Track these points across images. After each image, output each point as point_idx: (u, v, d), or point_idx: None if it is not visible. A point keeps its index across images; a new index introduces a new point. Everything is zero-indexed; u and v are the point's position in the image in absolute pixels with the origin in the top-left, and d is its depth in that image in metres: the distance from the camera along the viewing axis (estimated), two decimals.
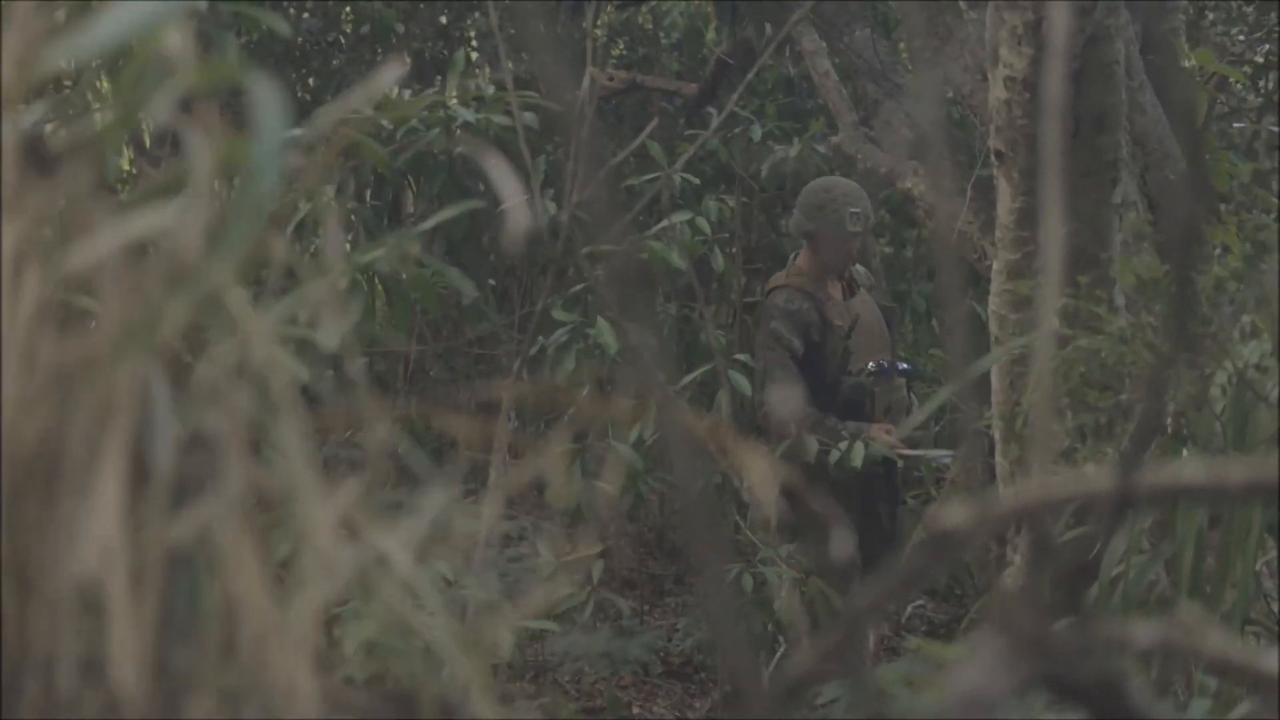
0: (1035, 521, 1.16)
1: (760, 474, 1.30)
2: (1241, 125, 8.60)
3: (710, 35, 9.94)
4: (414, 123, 6.66)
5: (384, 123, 6.42)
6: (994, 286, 4.95)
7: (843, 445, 6.34)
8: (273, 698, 1.11)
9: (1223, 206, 6.79)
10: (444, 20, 9.98)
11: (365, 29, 9.53)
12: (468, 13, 9.88)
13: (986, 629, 1.12)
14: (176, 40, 1.21)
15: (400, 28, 9.42)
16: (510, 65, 6.10)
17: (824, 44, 7.84)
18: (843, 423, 6.65)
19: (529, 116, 6.12)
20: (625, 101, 9.94)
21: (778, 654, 6.19)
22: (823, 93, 7.85)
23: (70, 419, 1.11)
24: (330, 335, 1.35)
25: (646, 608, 8.31)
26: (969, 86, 6.79)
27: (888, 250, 9.67)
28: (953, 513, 1.14)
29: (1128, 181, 5.26)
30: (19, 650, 1.10)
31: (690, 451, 1.28)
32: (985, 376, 4.95)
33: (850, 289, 7.07)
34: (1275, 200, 6.88)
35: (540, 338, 6.17)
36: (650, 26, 10.26)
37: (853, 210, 6.82)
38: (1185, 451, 3.13)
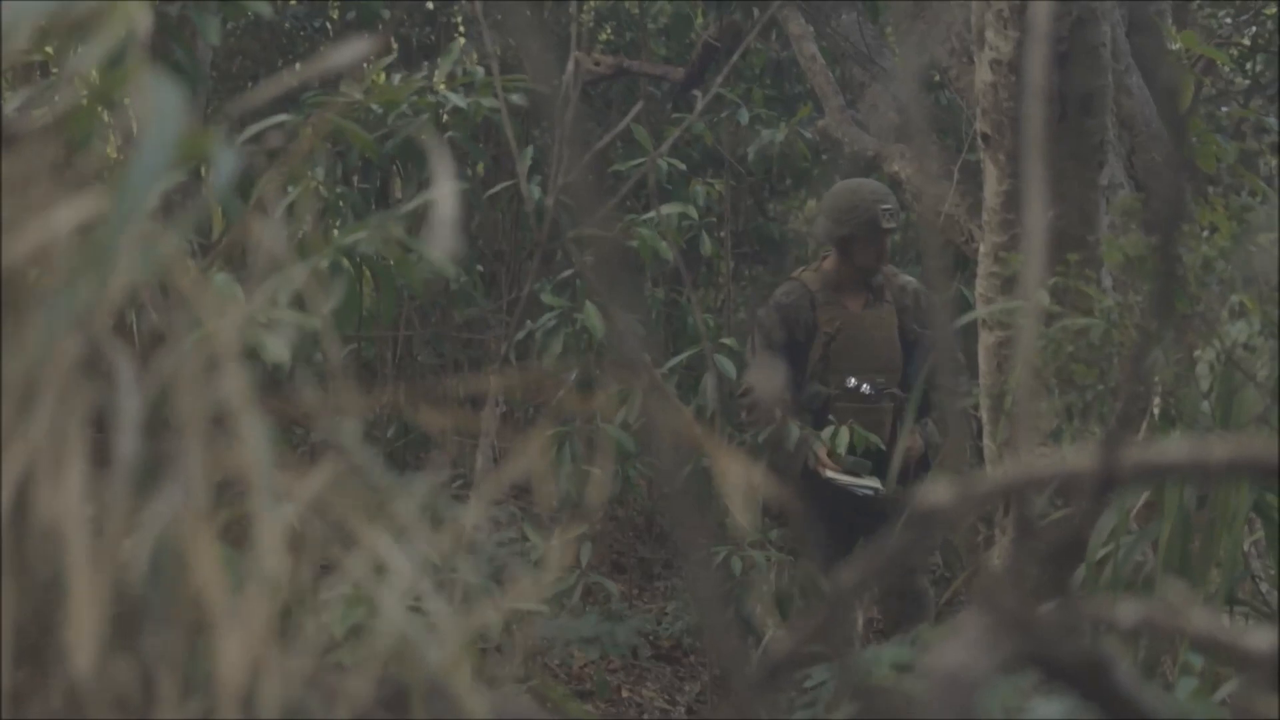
0: (1020, 500, 1.16)
1: (736, 476, 1.30)
2: (1228, 108, 8.61)
3: (698, 20, 9.93)
4: (403, 108, 6.65)
5: (373, 107, 6.42)
6: (981, 269, 4.96)
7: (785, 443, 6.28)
8: (232, 683, 1.11)
9: (1210, 188, 6.80)
10: (430, 5, 9.97)
11: (351, 15, 9.51)
12: None
13: (971, 608, 1.13)
14: (143, 22, 1.21)
15: (386, 13, 9.40)
16: (497, 50, 6.09)
17: (811, 28, 7.84)
18: (802, 427, 6.51)
19: (515, 98, 6.11)
20: (612, 87, 9.93)
21: (765, 637, 6.19)
22: (809, 76, 7.85)
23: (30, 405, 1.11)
24: (281, 343, 1.35)
25: (635, 592, 8.32)
26: (955, 70, 6.79)
27: None
28: (937, 491, 1.14)
29: (1114, 164, 5.26)
30: None
31: (675, 436, 1.28)
32: (971, 358, 4.96)
33: (876, 299, 6.88)
34: (1261, 182, 6.90)
35: (528, 322, 6.17)
36: (637, 12, 10.25)
37: (885, 207, 6.65)
38: (1173, 431, 3.14)
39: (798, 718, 4.20)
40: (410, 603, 1.36)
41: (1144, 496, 3.14)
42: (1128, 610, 1.18)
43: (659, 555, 8.92)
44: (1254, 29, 9.01)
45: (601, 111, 9.81)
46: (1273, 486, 2.75)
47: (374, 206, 8.11)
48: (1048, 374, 3.17)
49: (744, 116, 8.60)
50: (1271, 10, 8.85)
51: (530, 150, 6.23)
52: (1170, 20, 7.19)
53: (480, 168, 9.00)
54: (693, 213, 6.94)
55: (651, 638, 7.60)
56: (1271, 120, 8.00)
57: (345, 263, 3.49)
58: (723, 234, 9.16)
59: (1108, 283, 4.42)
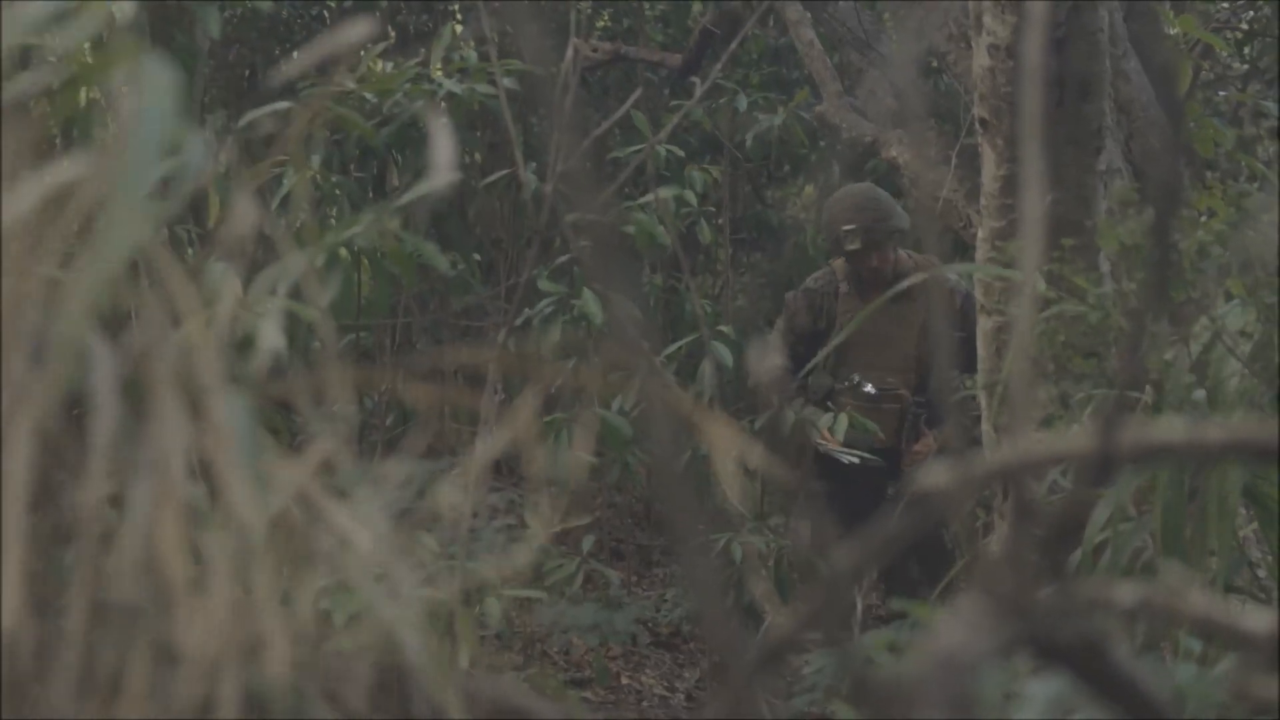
0: (1017, 482, 1.16)
1: (728, 453, 1.30)
2: (1226, 93, 8.60)
3: (695, 6, 9.91)
4: (399, 95, 6.64)
5: (368, 95, 6.41)
6: (979, 254, 4.95)
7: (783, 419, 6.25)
8: (193, 656, 1.11)
9: (1208, 173, 6.80)
10: None
11: (349, 2, 9.50)
12: None
13: (969, 591, 1.13)
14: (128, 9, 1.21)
15: (384, 1, 9.39)
16: (494, 37, 6.09)
17: (808, 14, 7.82)
18: (805, 405, 6.57)
19: (508, 82, 6.10)
20: (610, 73, 9.92)
21: (764, 624, 6.20)
22: (807, 63, 7.83)
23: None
24: (276, 331, 1.35)
25: (634, 579, 8.32)
26: (953, 55, 6.78)
27: None
28: (935, 473, 1.14)
29: (1112, 149, 5.25)
30: None
31: (672, 423, 1.27)
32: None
33: (903, 298, 6.50)
34: (1261, 166, 6.89)
35: (526, 309, 6.17)
36: None
37: (846, 229, 6.58)
38: (1165, 417, 3.13)
39: (795, 703, 4.21)
40: (404, 590, 1.37)
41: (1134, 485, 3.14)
42: (1126, 592, 1.18)
43: (658, 542, 8.92)
44: (1251, 14, 9.00)
45: (599, 98, 9.80)
46: (1269, 468, 2.75)
47: (371, 195, 8.11)
48: (1043, 362, 3.17)
49: (743, 103, 8.59)
50: None
51: (528, 142, 6.23)
52: (1168, 5, 7.19)
53: (478, 155, 9.00)
54: (691, 198, 6.93)
55: (650, 625, 7.61)
56: (1270, 105, 7.99)
57: (343, 253, 3.50)
58: (721, 221, 9.15)
59: (1105, 268, 4.41)
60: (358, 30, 1.39)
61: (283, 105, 2.17)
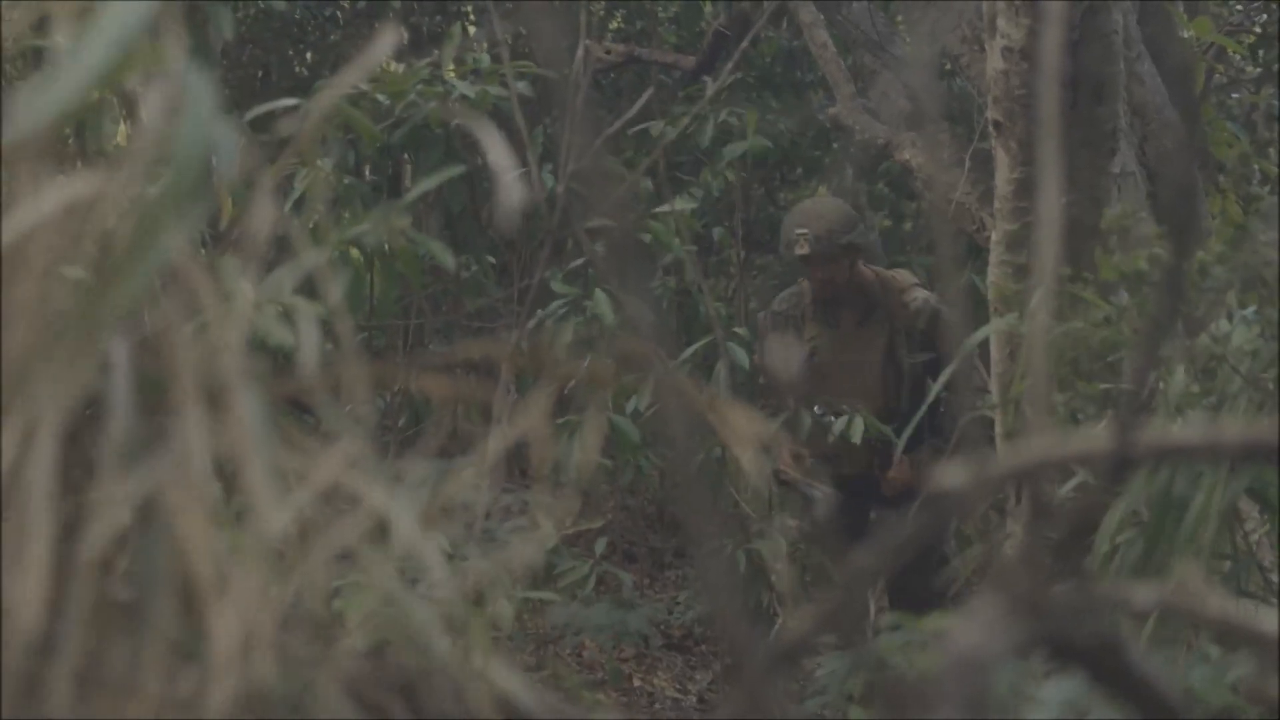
0: (1033, 482, 1.16)
1: (746, 437, 1.30)
2: (1239, 96, 8.59)
3: (708, 8, 9.91)
4: (412, 96, 6.65)
5: (380, 97, 6.42)
6: (993, 257, 4.95)
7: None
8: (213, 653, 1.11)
9: (1221, 176, 6.79)
10: None
11: (362, 3, 9.51)
12: None
13: (985, 591, 1.13)
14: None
15: (397, 2, 9.40)
16: (506, 39, 6.09)
17: (821, 16, 7.82)
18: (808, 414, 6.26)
19: (523, 85, 6.10)
20: (623, 75, 9.92)
21: (776, 626, 6.20)
22: (821, 65, 7.83)
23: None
24: (289, 329, 1.35)
25: (647, 581, 8.33)
26: (966, 57, 6.78)
27: (886, 223, 9.66)
28: (951, 473, 1.14)
29: (1126, 151, 5.26)
30: None
31: (687, 425, 1.27)
32: (983, 344, 4.96)
33: (867, 318, 6.46)
34: (1275, 169, 6.88)
35: (539, 310, 6.17)
36: None
37: (799, 231, 6.28)
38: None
39: (808, 705, 4.20)
40: (423, 589, 1.37)
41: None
42: (1143, 593, 1.18)
43: (670, 544, 8.93)
44: (1264, 17, 8.99)
45: (612, 100, 9.79)
46: (1275, 469, 2.74)
47: (385, 196, 8.11)
48: (1054, 378, 3.17)
49: (770, 102, 8.56)
50: None
51: (540, 136, 6.23)
52: (1181, 8, 7.19)
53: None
54: (712, 187, 6.87)
55: (663, 627, 7.62)
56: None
57: (354, 253, 3.50)
58: (733, 223, 9.15)
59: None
60: (386, 41, 1.39)
61: (291, 102, 2.17)
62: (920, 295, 6.42)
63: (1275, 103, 8.03)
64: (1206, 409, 2.99)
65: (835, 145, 9.12)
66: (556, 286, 6.23)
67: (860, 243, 6.39)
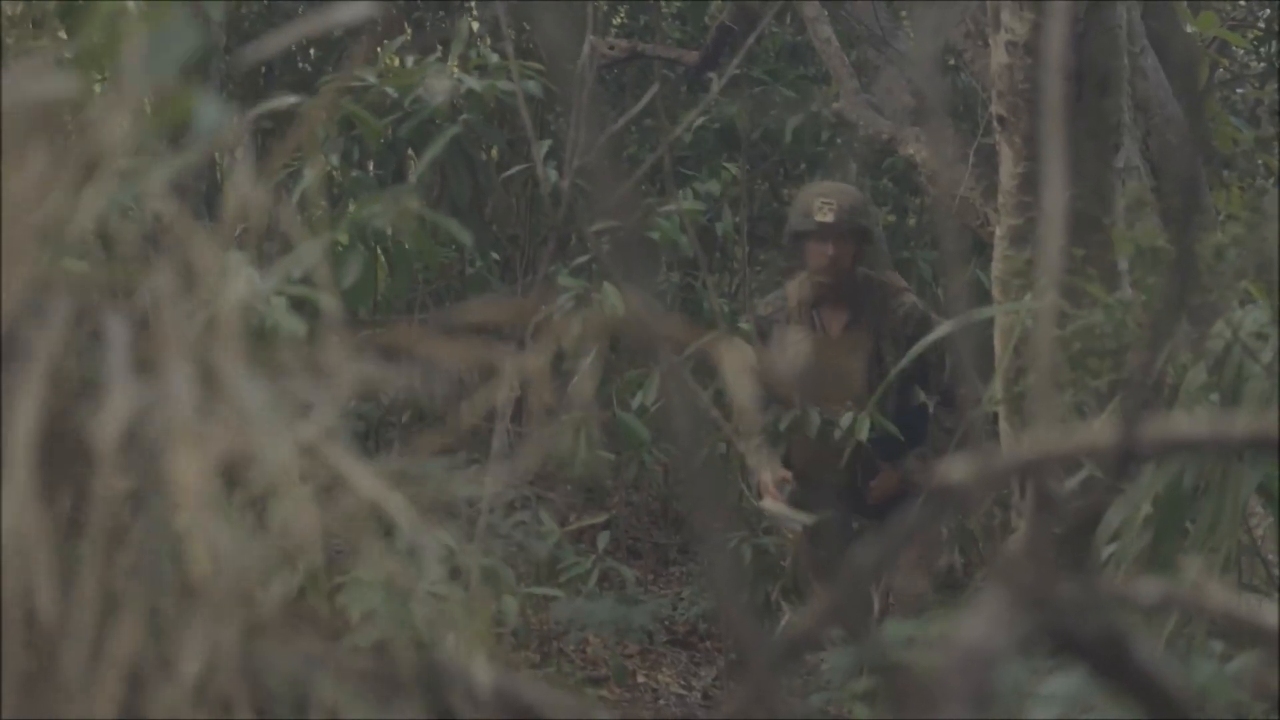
0: (1037, 476, 1.15)
1: (738, 368, 1.30)
2: (1243, 90, 8.58)
3: (713, 3, 9.91)
4: (418, 91, 6.65)
5: (389, 90, 6.43)
6: (997, 252, 4.95)
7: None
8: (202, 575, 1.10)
9: (1225, 171, 6.78)
10: None
11: None
12: None
13: (989, 585, 1.12)
14: None
15: None
16: (511, 34, 6.09)
17: (825, 11, 7.82)
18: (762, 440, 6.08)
19: (531, 85, 6.11)
20: (627, 70, 9.92)
21: (781, 621, 6.19)
22: (825, 59, 7.82)
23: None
24: (296, 318, 1.35)
25: (651, 577, 8.33)
26: (970, 52, 6.77)
27: (891, 218, 9.66)
28: (955, 467, 1.14)
29: (1130, 146, 5.25)
30: None
31: (693, 419, 1.27)
32: (987, 340, 4.95)
33: (856, 321, 6.27)
34: (1277, 164, 6.87)
35: (544, 306, 6.17)
36: None
37: (823, 199, 6.12)
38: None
39: (813, 700, 4.21)
40: (426, 585, 1.36)
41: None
42: (1148, 588, 1.18)
43: (674, 540, 8.93)
44: (1268, 12, 8.98)
45: (616, 95, 9.79)
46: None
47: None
48: (1061, 369, 3.17)
49: (775, 94, 8.57)
50: None
51: (546, 138, 6.23)
52: (1185, 2, 7.18)
53: (495, 152, 9.00)
54: (713, 188, 6.86)
55: (667, 623, 7.62)
56: None
57: (360, 244, 3.50)
58: (738, 219, 9.15)
59: (1124, 265, 4.41)
60: (359, 10, 1.38)
61: (291, 100, 2.17)
62: (909, 300, 6.29)
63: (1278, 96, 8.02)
64: (1218, 399, 2.98)
65: (839, 140, 9.11)
66: (563, 280, 6.23)
67: (874, 231, 6.35)
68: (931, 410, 6.17)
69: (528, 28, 7.72)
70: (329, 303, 1.38)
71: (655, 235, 6.41)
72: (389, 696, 1.29)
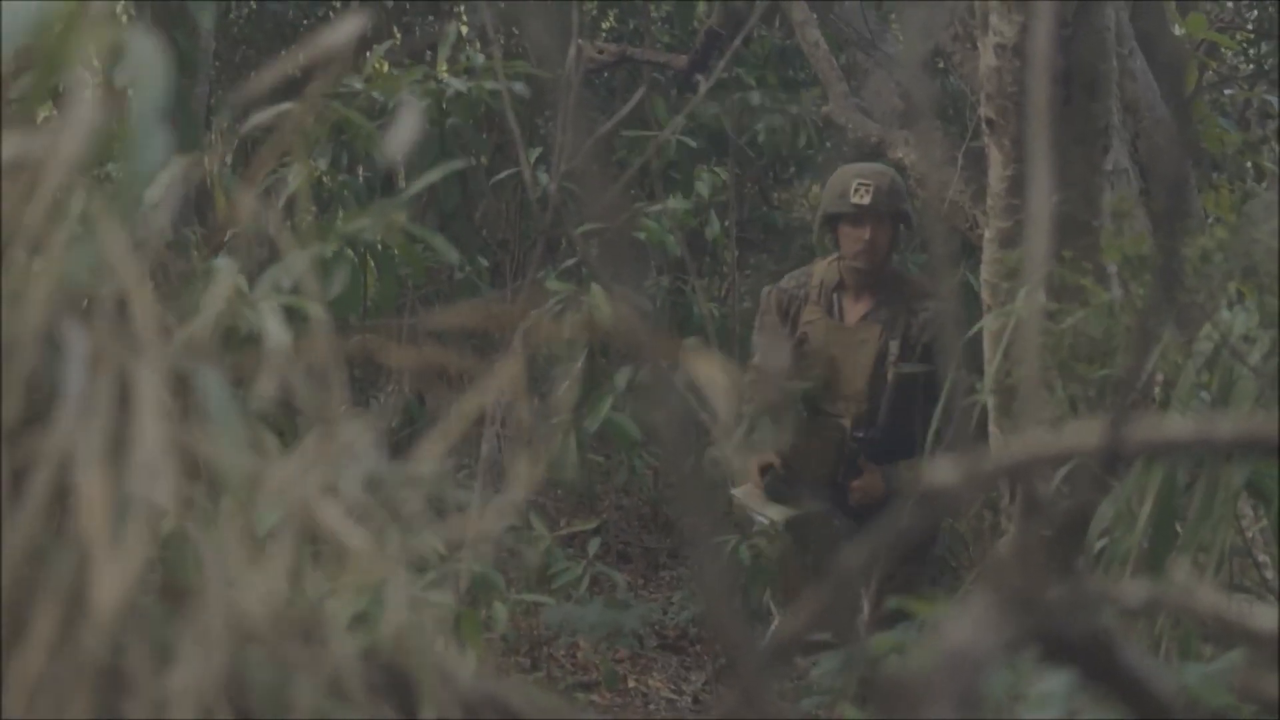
0: (1025, 478, 1.15)
1: (715, 380, 1.30)
2: (1232, 91, 8.59)
3: (701, 6, 9.92)
4: (405, 95, 6.64)
5: (376, 94, 6.42)
6: (986, 255, 4.95)
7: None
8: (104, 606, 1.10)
9: (1215, 174, 6.79)
10: None
11: (355, 3, 9.51)
12: None
13: (977, 587, 1.12)
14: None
15: (389, 2, 9.40)
16: (499, 39, 6.09)
17: (814, 14, 7.82)
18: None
19: (519, 86, 6.10)
20: (616, 74, 9.93)
21: (771, 626, 6.19)
22: (813, 63, 7.83)
23: None
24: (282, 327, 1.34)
25: (641, 581, 8.34)
26: (959, 55, 6.77)
27: None
28: (942, 470, 1.14)
29: (1119, 148, 5.25)
30: None
31: (681, 423, 1.27)
32: (977, 343, 4.95)
33: (874, 315, 6.02)
34: (1270, 165, 6.88)
35: (533, 310, 6.16)
36: None
37: (860, 180, 5.88)
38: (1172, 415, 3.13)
39: (803, 705, 4.20)
40: (414, 590, 1.36)
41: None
42: (1135, 590, 1.18)
43: (665, 545, 8.94)
44: (1255, 13, 8.99)
45: (605, 99, 9.80)
46: (1274, 463, 2.74)
47: (378, 195, 8.11)
48: (1050, 370, 3.17)
49: (754, 98, 8.57)
50: None
51: (535, 143, 6.24)
52: (1174, 4, 7.19)
53: (484, 157, 9.01)
54: (702, 188, 6.85)
55: (658, 627, 7.63)
56: (1275, 101, 7.97)
57: (348, 251, 3.50)
58: (727, 222, 9.15)
59: (1113, 268, 4.41)
60: (353, 26, 1.38)
61: (284, 106, 2.17)
62: (934, 307, 5.89)
63: (1271, 99, 8.02)
64: (1208, 400, 2.99)
65: (828, 144, 9.13)
66: (551, 284, 6.23)
67: (911, 215, 6.09)
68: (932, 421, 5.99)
69: (516, 32, 7.73)
70: (316, 311, 1.38)
71: (643, 236, 6.40)
72: (375, 703, 1.28)
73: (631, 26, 10.21)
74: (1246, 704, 1.53)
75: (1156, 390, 3.20)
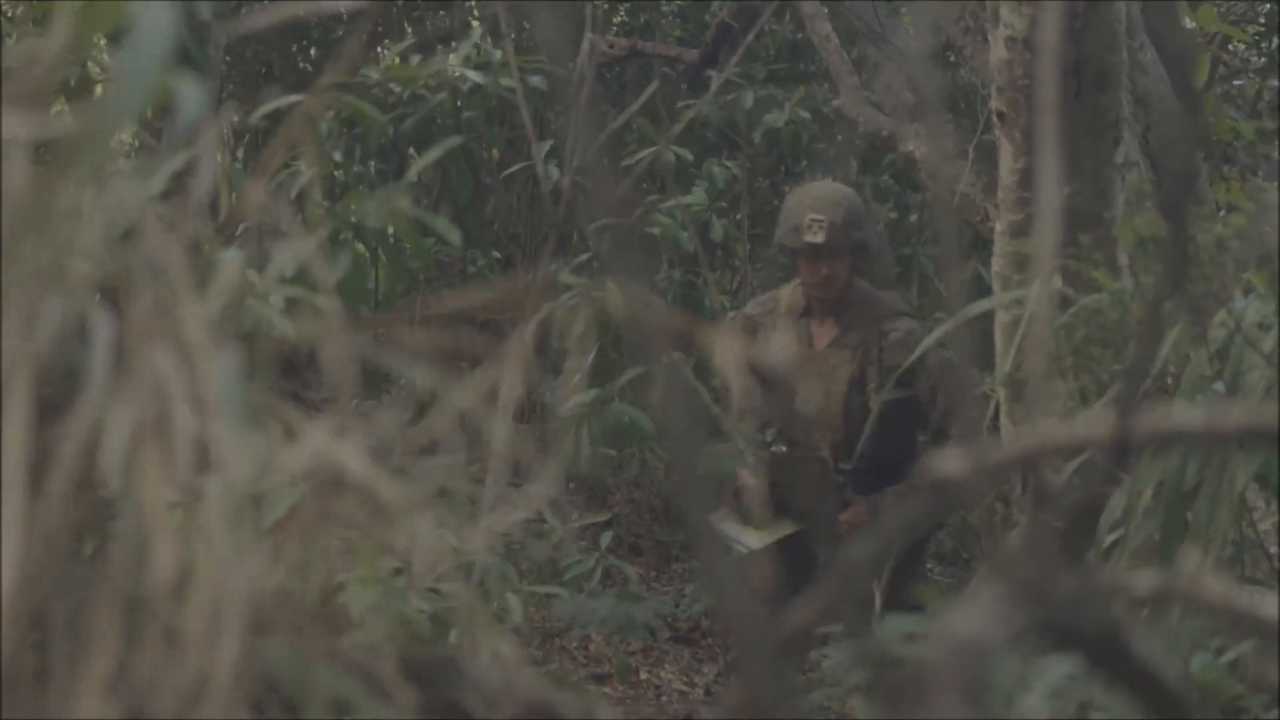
0: (1036, 469, 1.16)
1: (728, 358, 1.30)
2: (1242, 82, 8.57)
3: (713, 1, 9.91)
4: (420, 89, 6.66)
5: (393, 86, 6.44)
6: (997, 248, 4.95)
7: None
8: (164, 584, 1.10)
9: (1226, 166, 6.78)
10: None
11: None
12: None
13: (986, 577, 1.12)
14: None
15: None
16: (511, 34, 6.09)
17: (824, 8, 7.82)
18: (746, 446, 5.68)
19: (536, 80, 6.10)
20: (627, 69, 9.92)
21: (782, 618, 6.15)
22: (824, 56, 7.82)
23: None
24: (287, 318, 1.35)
25: (653, 574, 8.34)
26: (969, 48, 6.77)
27: (892, 215, 9.65)
28: (951, 460, 1.14)
29: (1129, 141, 5.25)
30: None
31: (690, 416, 1.27)
32: (988, 336, 4.95)
33: (843, 339, 5.85)
34: (1278, 157, 6.87)
35: (545, 304, 6.16)
36: None
37: (813, 216, 5.67)
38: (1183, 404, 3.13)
39: (814, 697, 4.20)
40: (429, 583, 1.36)
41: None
42: (1145, 579, 1.18)
43: (676, 538, 8.93)
44: (1267, 7, 8.97)
45: (616, 93, 9.79)
46: None
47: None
48: (1063, 359, 3.17)
49: (748, 99, 8.57)
50: None
51: (546, 137, 6.23)
52: None
53: (495, 152, 9.01)
54: (708, 192, 6.86)
55: (670, 620, 7.62)
56: None
57: (352, 238, 3.50)
58: (739, 216, 9.15)
59: (1124, 260, 4.40)
60: (349, 3, 1.39)
61: (291, 99, 2.18)
62: (904, 327, 5.79)
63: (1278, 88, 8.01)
64: (1220, 390, 2.99)
65: (839, 137, 9.12)
66: (565, 278, 6.22)
67: (870, 244, 5.88)
68: (920, 447, 5.82)
69: (527, 26, 7.72)
70: (324, 300, 1.38)
71: (656, 231, 6.40)
72: (391, 693, 1.29)
73: (643, 21, 10.20)
74: (1256, 694, 1.54)
75: (1169, 380, 3.20)
